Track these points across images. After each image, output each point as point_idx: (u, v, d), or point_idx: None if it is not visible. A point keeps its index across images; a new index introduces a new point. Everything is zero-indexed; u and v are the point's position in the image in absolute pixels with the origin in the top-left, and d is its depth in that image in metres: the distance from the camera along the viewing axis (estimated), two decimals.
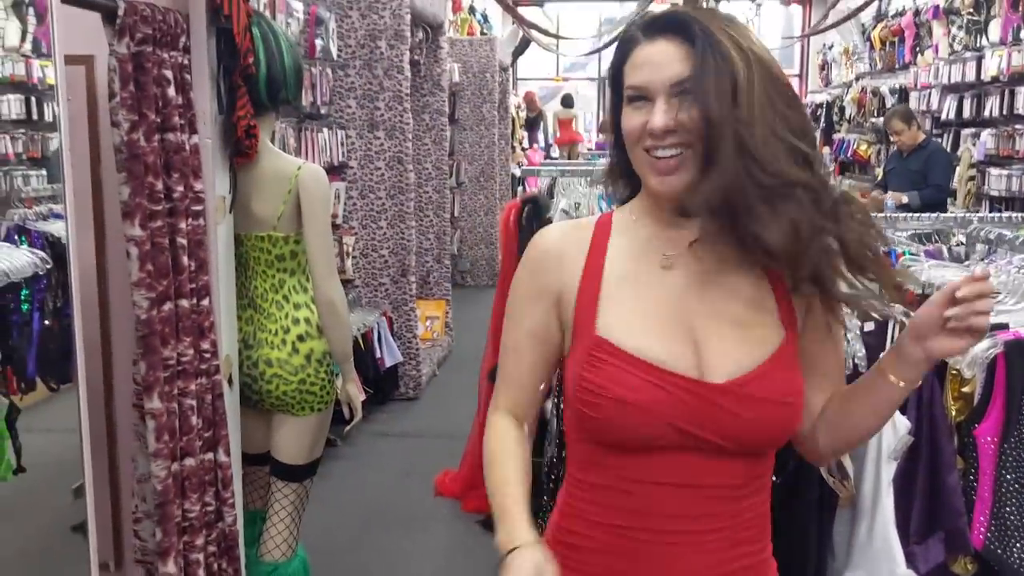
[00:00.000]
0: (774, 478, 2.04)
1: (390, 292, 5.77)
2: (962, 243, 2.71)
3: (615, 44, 1.28)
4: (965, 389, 1.96)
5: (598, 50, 13.83)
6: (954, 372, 1.95)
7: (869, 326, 2.07)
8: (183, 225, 2.21)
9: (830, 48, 13.00)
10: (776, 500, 2.02)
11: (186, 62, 2.23)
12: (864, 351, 2.00)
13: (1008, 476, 1.86)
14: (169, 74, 2.15)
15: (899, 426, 1.94)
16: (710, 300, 1.22)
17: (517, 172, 9.79)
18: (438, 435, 5.08)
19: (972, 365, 1.89)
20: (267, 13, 4.45)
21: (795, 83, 15.00)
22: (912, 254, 2.47)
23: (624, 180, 1.32)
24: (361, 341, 5.11)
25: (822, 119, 12.12)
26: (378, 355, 5.36)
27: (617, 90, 1.25)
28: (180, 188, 2.19)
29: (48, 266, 2.73)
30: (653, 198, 1.26)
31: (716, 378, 1.18)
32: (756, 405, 1.18)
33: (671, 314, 1.22)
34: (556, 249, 1.30)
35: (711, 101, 1.13)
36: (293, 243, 2.51)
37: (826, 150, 11.84)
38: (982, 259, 2.56)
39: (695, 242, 1.21)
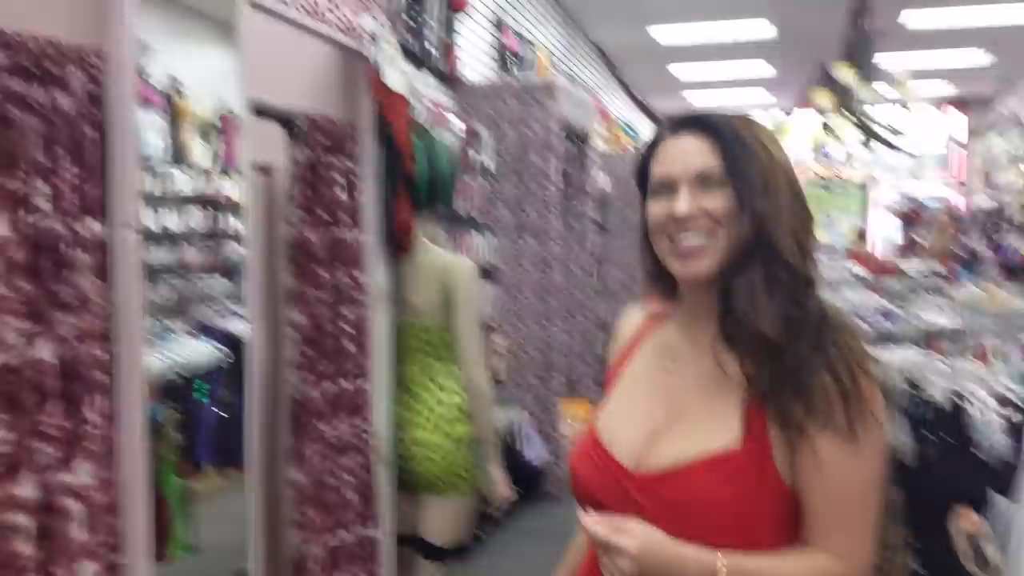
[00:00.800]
0: (921, 570, 2.01)
1: (536, 390, 5.89)
2: None
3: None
4: None
5: None
6: None
7: (1019, 417, 2.04)
8: (346, 312, 2.42)
9: (993, 153, 12.60)
10: None
11: (353, 166, 2.48)
12: (1006, 439, 1.96)
13: None
14: (339, 177, 2.41)
15: None
16: (687, 403, 1.23)
17: None
18: None
19: None
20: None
21: (955, 188, 14.53)
22: None
23: (664, 281, 1.32)
24: (507, 438, 5.23)
25: (986, 224, 11.67)
26: (524, 452, 5.45)
27: (644, 187, 1.29)
28: (345, 279, 2.42)
29: (228, 359, 2.99)
30: (684, 296, 1.30)
31: (640, 470, 1.20)
32: (661, 503, 1.17)
33: (651, 410, 1.26)
34: (620, 328, 1.45)
35: (742, 189, 1.18)
36: (444, 331, 2.68)
37: (988, 255, 11.36)
38: None
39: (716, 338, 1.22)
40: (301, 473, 2.30)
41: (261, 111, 2.15)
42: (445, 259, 2.70)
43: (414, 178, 2.58)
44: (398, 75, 2.53)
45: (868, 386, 1.14)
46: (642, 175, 1.30)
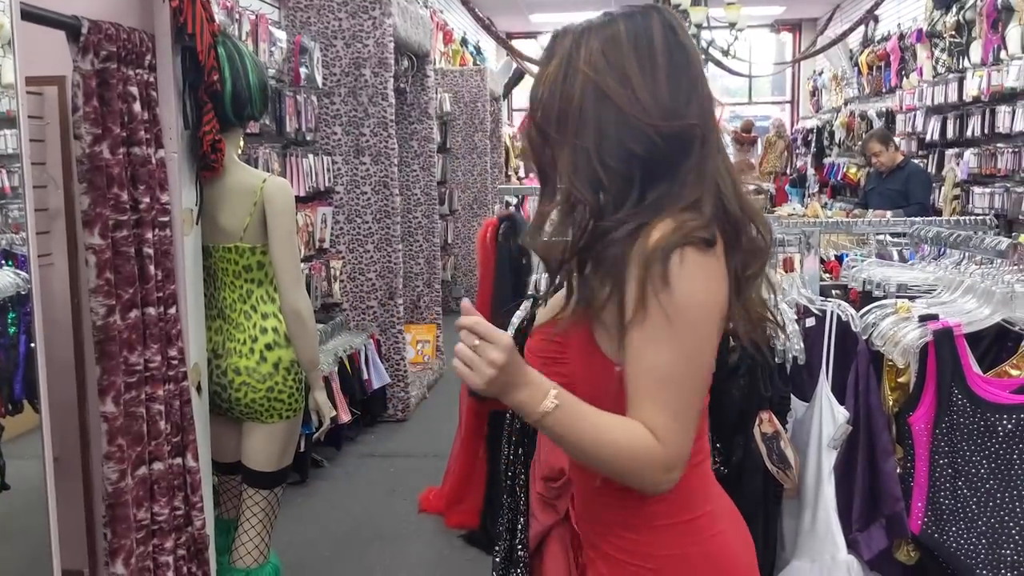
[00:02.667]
0: (721, 468, 2.10)
1: (378, 315, 5.84)
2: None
3: None
4: (901, 379, 2.02)
5: None
6: (890, 363, 2.01)
7: (810, 321, 2.13)
8: (149, 235, 2.28)
9: (820, 74, 13.14)
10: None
11: (152, 79, 2.32)
12: (801, 345, 2.06)
13: (941, 461, 1.91)
14: (135, 90, 2.24)
15: (837, 415, 2.00)
16: None
17: (513, 201, 9.87)
18: (425, 454, 5.12)
19: (905, 354, 1.95)
20: (250, 42, 4.57)
21: (787, 109, 15.12)
22: (862, 255, 2.53)
23: None
24: (347, 363, 5.17)
25: (813, 144, 12.23)
26: (365, 377, 5.42)
27: None
28: (146, 200, 2.27)
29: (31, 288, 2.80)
30: None
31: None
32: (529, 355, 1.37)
33: None
34: None
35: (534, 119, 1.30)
36: (260, 254, 2.58)
37: (810, 172, 11.95)
38: (934, 259, 2.63)
39: None
40: (103, 402, 2.19)
41: (35, 16, 1.96)
42: (257, 179, 2.57)
43: (219, 92, 2.43)
44: None
45: (659, 277, 1.16)
46: None
